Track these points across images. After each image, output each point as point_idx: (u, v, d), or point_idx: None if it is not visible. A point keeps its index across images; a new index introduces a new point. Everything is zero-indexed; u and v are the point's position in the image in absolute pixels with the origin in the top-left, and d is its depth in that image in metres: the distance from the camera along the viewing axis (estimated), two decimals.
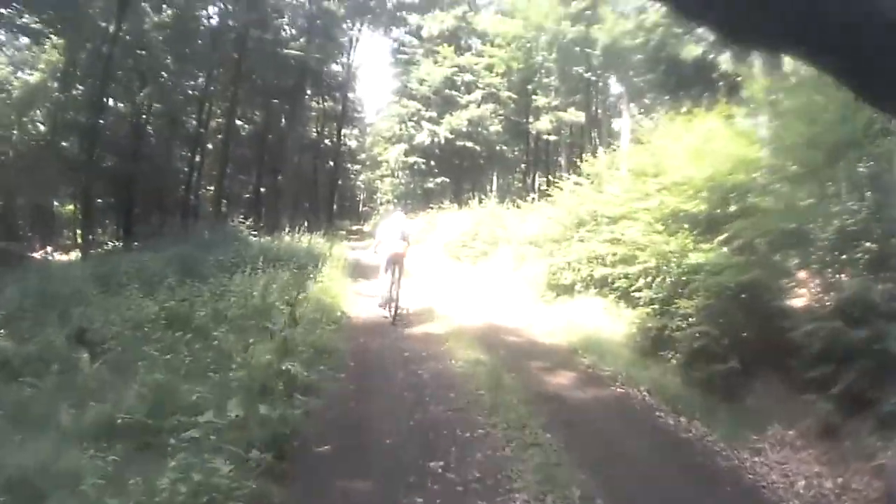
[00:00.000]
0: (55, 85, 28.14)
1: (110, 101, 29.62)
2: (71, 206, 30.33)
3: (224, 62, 32.91)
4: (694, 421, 6.80)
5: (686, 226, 10.00)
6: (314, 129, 47.66)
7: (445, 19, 36.83)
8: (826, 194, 8.26)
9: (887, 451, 5.31)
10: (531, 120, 36.32)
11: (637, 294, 10.47)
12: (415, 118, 36.58)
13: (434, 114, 35.82)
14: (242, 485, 4.36)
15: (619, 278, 11.25)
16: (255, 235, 22.04)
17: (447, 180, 38.02)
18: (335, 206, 51.54)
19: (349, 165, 54.20)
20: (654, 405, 7.42)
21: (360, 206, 68.38)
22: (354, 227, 46.97)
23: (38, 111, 28.92)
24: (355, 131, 54.55)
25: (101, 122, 27.55)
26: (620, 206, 12.18)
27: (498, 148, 37.43)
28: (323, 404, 6.84)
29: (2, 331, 8.37)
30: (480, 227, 21.76)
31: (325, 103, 46.69)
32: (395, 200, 45.84)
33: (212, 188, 36.51)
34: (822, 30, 1.02)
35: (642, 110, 31.39)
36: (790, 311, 7.57)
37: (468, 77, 35.93)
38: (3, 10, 21.91)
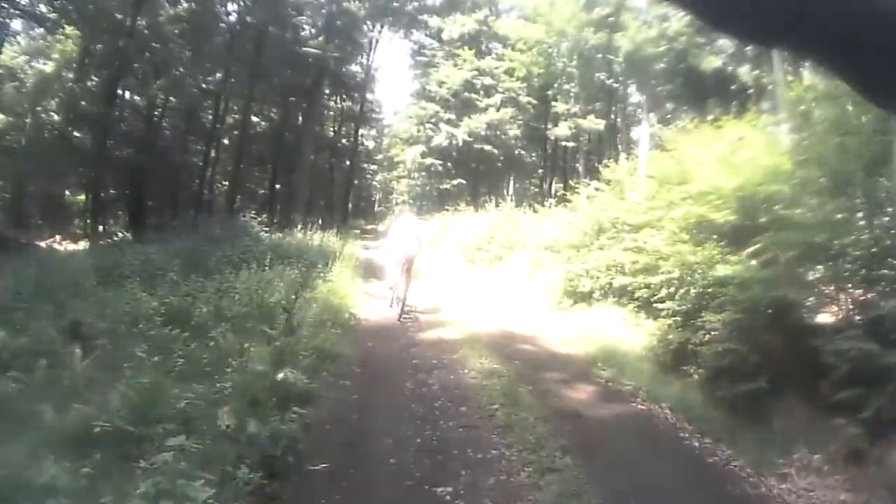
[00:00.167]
0: (70, 75, 27.97)
1: (126, 94, 29.75)
2: (83, 196, 30.12)
3: (242, 58, 32.60)
4: (719, 443, 6.35)
5: (714, 236, 9.50)
6: (331, 129, 47.43)
7: (466, 23, 36.55)
8: (857, 208, 7.95)
9: None
10: (550, 126, 35.99)
11: (659, 305, 9.98)
12: (433, 120, 36.37)
13: (452, 116, 35.59)
14: None
15: (640, 288, 10.81)
16: (266, 231, 21.81)
17: (464, 182, 37.68)
18: (350, 206, 51.43)
19: (366, 165, 53.98)
20: (677, 425, 6.94)
21: (376, 205, 68.18)
22: (369, 227, 46.57)
23: (52, 101, 28.67)
24: (373, 132, 54.22)
25: (115, 113, 27.54)
26: (643, 213, 11.75)
27: (516, 152, 37.18)
28: (323, 415, 6.37)
29: None
30: (497, 230, 21.35)
31: (344, 103, 46.50)
32: (411, 201, 45.82)
33: (226, 183, 36.30)
34: (822, 29, 0.96)
35: (661, 119, 30.95)
36: (819, 329, 7.20)
37: (488, 81, 35.61)
38: None
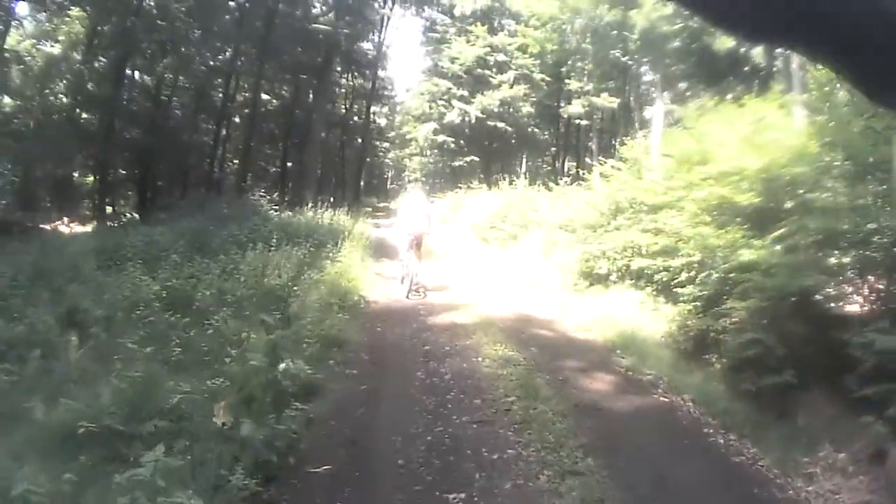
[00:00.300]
0: (77, 56, 27.82)
1: (135, 74, 29.70)
2: (91, 178, 30.02)
3: (251, 36, 32.18)
4: (744, 440, 6.01)
5: (738, 219, 9.10)
6: (343, 106, 47.20)
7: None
8: (882, 193, 7.71)
9: None
10: (563, 104, 35.80)
11: (679, 289, 9.64)
12: (445, 97, 35.97)
13: (465, 93, 35.16)
14: None
15: (660, 271, 10.52)
16: (275, 210, 21.60)
17: (476, 160, 37.35)
18: (362, 183, 51.24)
19: (378, 143, 53.79)
20: (700, 419, 6.57)
21: (388, 183, 67.97)
22: (381, 205, 46.33)
23: (60, 83, 28.55)
24: (385, 109, 53.95)
25: (123, 94, 27.54)
26: (662, 194, 11.41)
27: (529, 130, 36.81)
28: (327, 409, 6.03)
29: None
30: (511, 209, 21.06)
31: (355, 80, 46.25)
32: (423, 179, 45.58)
33: (237, 162, 36.14)
34: (823, 29, 0.94)
35: (674, 99, 30.48)
36: (846, 320, 6.93)
37: (501, 57, 35.18)
38: None
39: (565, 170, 35.66)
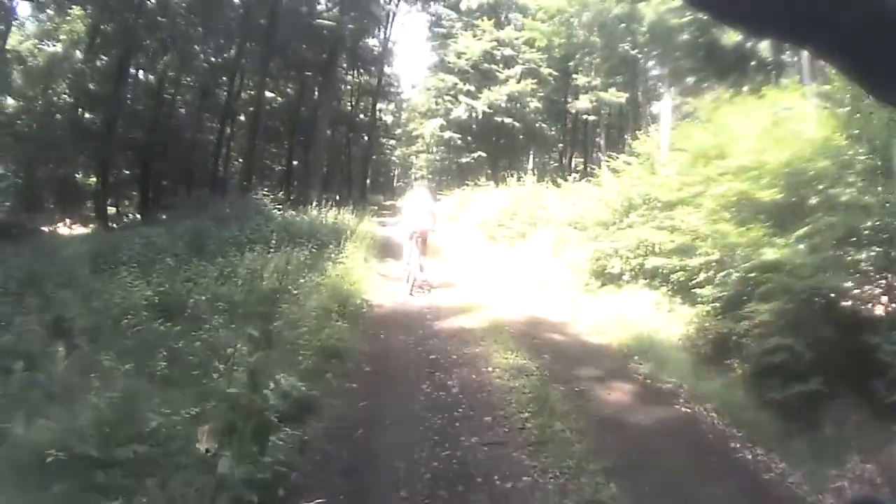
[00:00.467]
0: (79, 55, 27.65)
1: (139, 73, 29.73)
2: (94, 179, 29.72)
3: (255, 33, 31.95)
4: (772, 454, 5.64)
5: (760, 216, 8.66)
6: (349, 103, 47.17)
7: None
8: None
9: None
10: (570, 99, 35.58)
11: (697, 290, 9.20)
12: (452, 92, 35.77)
13: (472, 88, 34.93)
14: None
15: (676, 270, 10.09)
16: (279, 209, 21.28)
17: (483, 156, 37.12)
18: (369, 181, 51.13)
19: (384, 140, 53.74)
20: (726, 431, 6.17)
21: (395, 181, 67.88)
22: (387, 203, 46.26)
23: (62, 83, 28.29)
24: (391, 106, 53.95)
25: (126, 93, 27.50)
26: (678, 190, 10.94)
27: (536, 126, 36.60)
28: (323, 431, 5.59)
29: None
30: (519, 205, 20.69)
31: (361, 77, 46.25)
32: (430, 176, 45.48)
33: (241, 161, 35.89)
34: (825, 28, 0.87)
35: (682, 93, 30.21)
36: (873, 322, 6.65)
37: (508, 52, 34.92)
38: None
39: (573, 166, 35.55)
